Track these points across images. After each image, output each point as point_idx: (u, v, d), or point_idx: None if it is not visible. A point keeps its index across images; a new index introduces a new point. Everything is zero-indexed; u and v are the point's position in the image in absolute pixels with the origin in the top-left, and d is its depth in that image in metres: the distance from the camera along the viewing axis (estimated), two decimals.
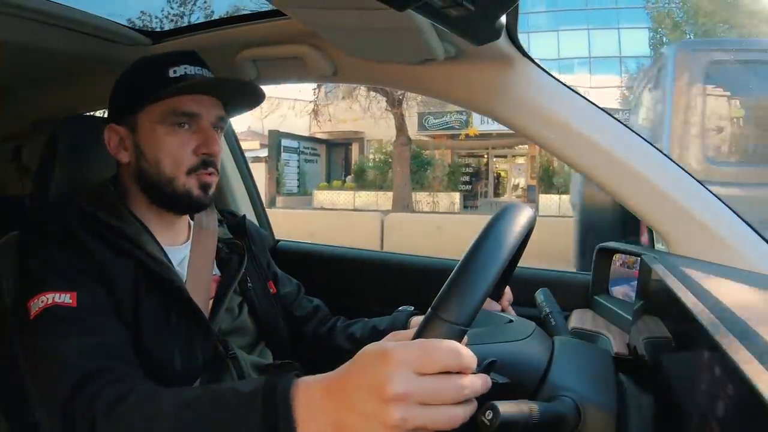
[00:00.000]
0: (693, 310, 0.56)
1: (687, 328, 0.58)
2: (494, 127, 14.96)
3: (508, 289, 1.02)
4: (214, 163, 0.95)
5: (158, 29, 1.31)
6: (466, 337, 0.56)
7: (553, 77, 1.05)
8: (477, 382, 0.55)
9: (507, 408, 0.57)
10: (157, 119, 0.92)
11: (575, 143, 1.01)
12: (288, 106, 13.92)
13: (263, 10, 1.19)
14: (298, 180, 17.45)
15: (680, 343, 0.62)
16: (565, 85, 1.04)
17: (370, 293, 1.47)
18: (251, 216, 1.68)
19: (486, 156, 19.34)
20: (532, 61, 1.04)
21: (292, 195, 16.54)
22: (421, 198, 15.43)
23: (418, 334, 0.56)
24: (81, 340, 0.75)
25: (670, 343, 0.66)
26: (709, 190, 0.97)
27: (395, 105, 13.48)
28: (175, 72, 0.93)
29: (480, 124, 16.33)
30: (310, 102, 13.88)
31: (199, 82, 0.94)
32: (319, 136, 17.88)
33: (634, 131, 1.01)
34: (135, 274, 0.87)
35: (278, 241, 1.73)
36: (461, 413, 0.53)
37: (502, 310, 1.00)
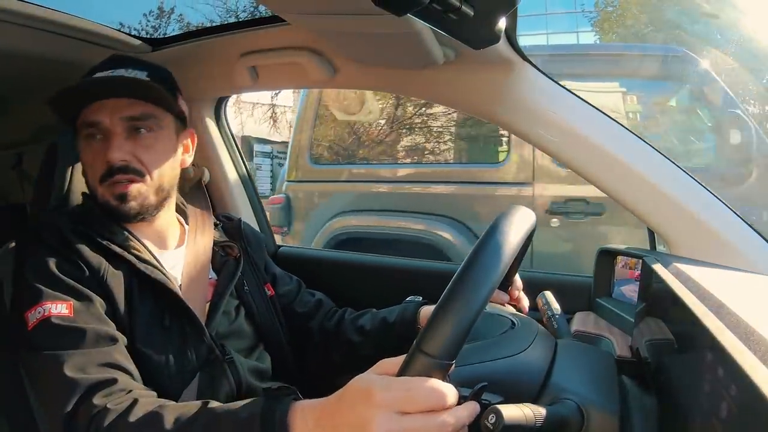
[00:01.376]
0: (695, 312, 0.56)
1: (689, 330, 0.58)
2: None
3: (517, 277, 1.01)
4: (124, 170, 0.90)
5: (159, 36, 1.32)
6: (454, 364, 0.57)
7: (553, 80, 1.05)
8: (462, 415, 0.56)
9: (510, 412, 0.57)
10: (79, 134, 0.93)
11: (575, 146, 1.02)
12: (247, 114, 13.93)
13: (263, 16, 1.19)
14: (271, 183, 17.77)
15: (683, 345, 0.62)
16: (565, 88, 1.04)
17: (373, 298, 1.46)
18: (252, 221, 1.68)
19: None
20: (532, 64, 1.04)
21: (263, 197, 16.84)
22: None
23: (403, 369, 0.56)
24: (80, 352, 0.76)
25: (673, 344, 0.66)
26: (711, 192, 0.97)
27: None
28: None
29: None
30: (269, 109, 13.92)
31: (69, 89, 0.89)
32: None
33: (634, 133, 1.01)
34: (129, 279, 0.88)
35: (279, 246, 1.73)
36: None
37: (511, 299, 1.00)
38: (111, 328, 0.82)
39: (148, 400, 0.72)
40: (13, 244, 0.94)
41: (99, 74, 0.93)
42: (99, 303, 0.83)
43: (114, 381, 0.74)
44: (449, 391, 0.55)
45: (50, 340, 0.77)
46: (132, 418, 0.68)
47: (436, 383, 0.54)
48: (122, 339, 0.82)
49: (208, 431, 0.65)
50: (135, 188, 0.91)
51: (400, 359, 0.58)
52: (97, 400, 0.71)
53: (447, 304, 0.55)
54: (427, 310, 1.01)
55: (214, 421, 0.66)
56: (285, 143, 17.97)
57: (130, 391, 0.75)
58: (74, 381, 0.73)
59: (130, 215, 0.92)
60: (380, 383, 0.56)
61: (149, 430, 0.66)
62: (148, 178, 0.92)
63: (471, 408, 0.57)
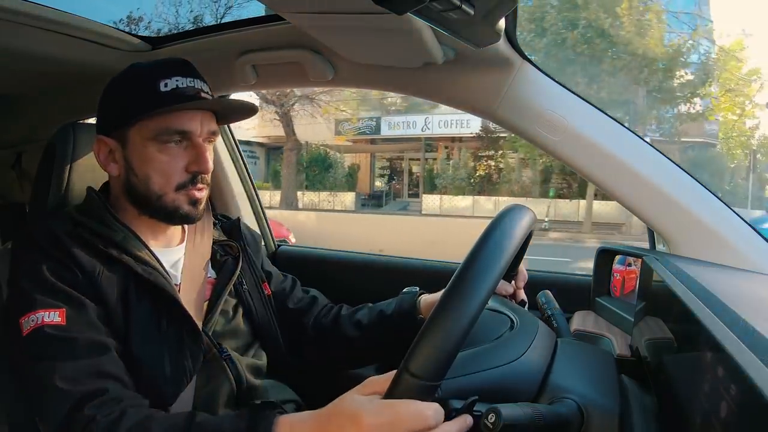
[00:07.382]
0: (694, 311, 0.56)
1: (689, 329, 0.58)
2: (403, 132, 17.98)
3: (523, 269, 1.01)
4: (204, 179, 0.95)
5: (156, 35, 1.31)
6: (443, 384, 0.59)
7: (554, 80, 1.05)
8: (449, 430, 0.59)
9: (510, 411, 0.57)
10: (148, 136, 0.90)
11: (575, 145, 1.02)
12: None
13: (263, 15, 1.19)
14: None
15: (682, 344, 0.62)
16: (565, 87, 1.04)
17: (372, 297, 1.46)
18: (252, 221, 1.68)
19: (402, 159, 20.56)
20: (532, 63, 1.04)
21: None
22: (324, 197, 18.08)
23: (390, 390, 0.58)
24: (73, 362, 0.77)
25: (672, 343, 0.66)
26: (710, 191, 0.97)
27: (282, 114, 14.96)
28: (166, 86, 0.90)
29: (387, 129, 18.40)
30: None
31: (196, 105, 0.92)
32: (260, 140, 19.40)
33: (634, 133, 1.01)
34: (124, 281, 0.88)
35: (278, 245, 1.73)
36: None
37: (515, 292, 1.01)
38: (103, 335, 0.82)
39: (137, 411, 0.74)
40: (10, 245, 0.93)
41: (178, 80, 0.91)
42: (92, 308, 0.83)
43: (105, 391, 0.75)
44: (432, 413, 0.57)
45: (43, 350, 0.78)
46: (121, 429, 0.70)
47: (420, 406, 0.57)
48: (115, 345, 0.82)
49: None
50: (204, 195, 0.96)
51: (388, 377, 0.60)
52: (88, 410, 0.72)
53: (435, 323, 0.56)
54: (426, 299, 1.02)
55: None
56: (249, 142, 18.56)
57: (121, 401, 0.75)
58: (65, 391, 0.74)
59: (195, 219, 0.97)
60: (369, 407, 0.59)
61: None
62: (207, 187, 0.98)
63: (461, 422, 0.59)
